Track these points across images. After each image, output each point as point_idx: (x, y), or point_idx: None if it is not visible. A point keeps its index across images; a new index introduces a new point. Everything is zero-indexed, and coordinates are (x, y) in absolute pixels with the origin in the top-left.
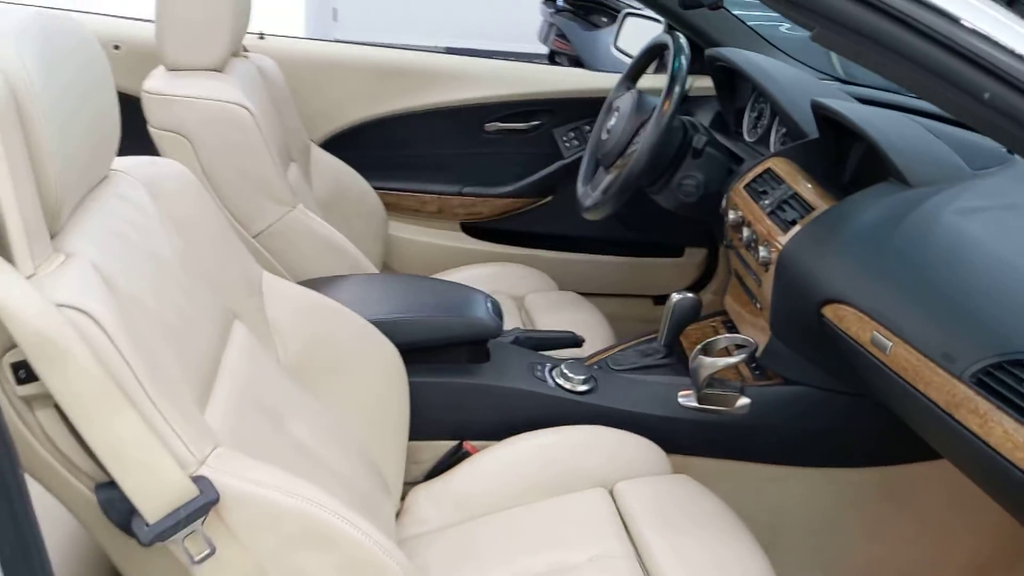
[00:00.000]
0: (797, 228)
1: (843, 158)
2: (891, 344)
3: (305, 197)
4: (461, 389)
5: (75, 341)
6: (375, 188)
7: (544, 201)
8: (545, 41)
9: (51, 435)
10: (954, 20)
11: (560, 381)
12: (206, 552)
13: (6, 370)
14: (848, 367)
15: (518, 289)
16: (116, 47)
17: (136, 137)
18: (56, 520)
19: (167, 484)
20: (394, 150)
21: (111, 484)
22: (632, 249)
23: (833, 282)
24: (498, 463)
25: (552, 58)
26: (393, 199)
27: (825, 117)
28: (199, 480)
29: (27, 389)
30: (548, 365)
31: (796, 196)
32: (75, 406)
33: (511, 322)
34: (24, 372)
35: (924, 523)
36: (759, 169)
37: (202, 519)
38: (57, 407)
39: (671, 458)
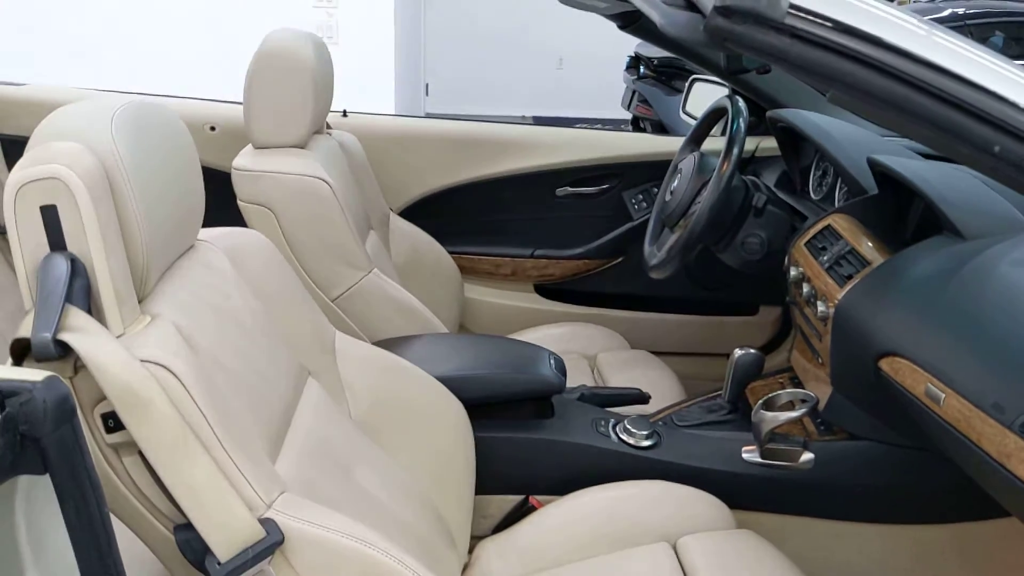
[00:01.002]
0: (853, 283)
1: (904, 214)
2: (944, 395)
3: (384, 263)
4: (526, 444)
5: (156, 392)
6: (451, 253)
7: (615, 262)
8: (628, 107)
9: (136, 479)
10: (962, 80)
11: (623, 436)
12: None
13: (97, 420)
14: (909, 420)
15: (590, 348)
16: (212, 128)
17: (228, 209)
18: (136, 558)
19: (237, 525)
20: (469, 216)
21: (188, 525)
22: (705, 308)
23: (888, 335)
24: (562, 517)
25: (636, 123)
26: (468, 263)
27: (883, 173)
28: (266, 523)
29: (115, 437)
30: (612, 421)
31: (853, 251)
32: (156, 452)
33: (583, 380)
34: (112, 421)
35: None
36: (820, 226)
37: (269, 559)
38: (141, 454)
39: (736, 514)
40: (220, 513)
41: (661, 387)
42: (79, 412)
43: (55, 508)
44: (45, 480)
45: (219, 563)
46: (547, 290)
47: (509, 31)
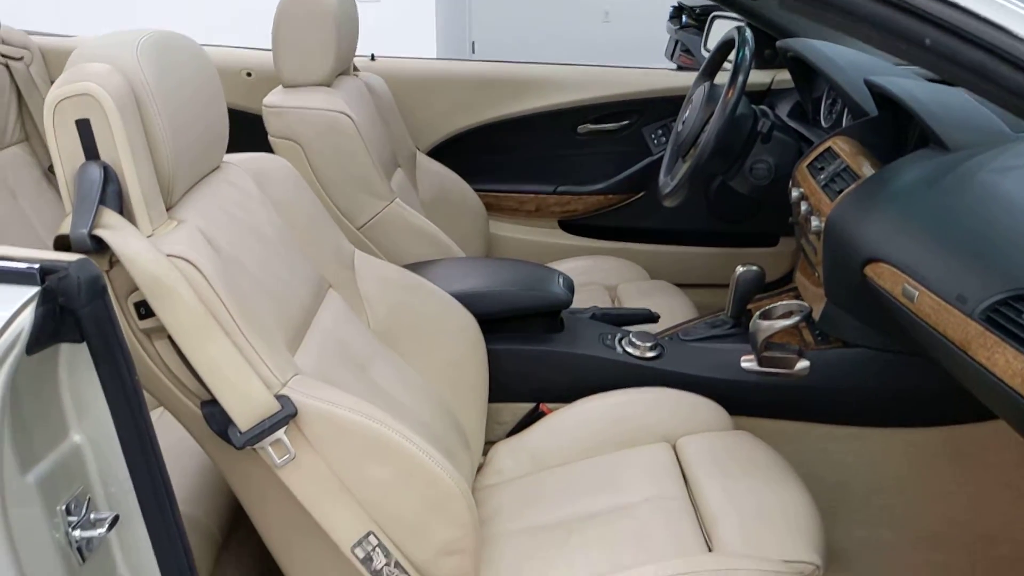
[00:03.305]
0: (842, 196)
1: (904, 136)
2: (917, 293)
3: (411, 200)
4: (536, 356)
5: (180, 283)
6: (476, 190)
7: (636, 196)
8: (672, 57)
9: (166, 361)
10: None
11: (628, 348)
12: (288, 457)
13: (131, 308)
14: (895, 325)
15: (611, 279)
16: (248, 74)
17: (264, 149)
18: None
19: (255, 400)
20: (493, 154)
21: (212, 401)
22: (725, 240)
23: (872, 242)
24: (570, 421)
25: None
26: (493, 200)
27: (883, 96)
28: (281, 398)
29: (146, 323)
30: (618, 335)
31: (848, 168)
32: (181, 336)
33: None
34: (144, 309)
35: (995, 481)
36: (821, 148)
37: (284, 429)
38: (170, 338)
39: (735, 419)
40: (240, 389)
41: (674, 311)
42: (115, 301)
43: (93, 375)
44: (83, 349)
45: (240, 432)
46: (570, 225)
47: None
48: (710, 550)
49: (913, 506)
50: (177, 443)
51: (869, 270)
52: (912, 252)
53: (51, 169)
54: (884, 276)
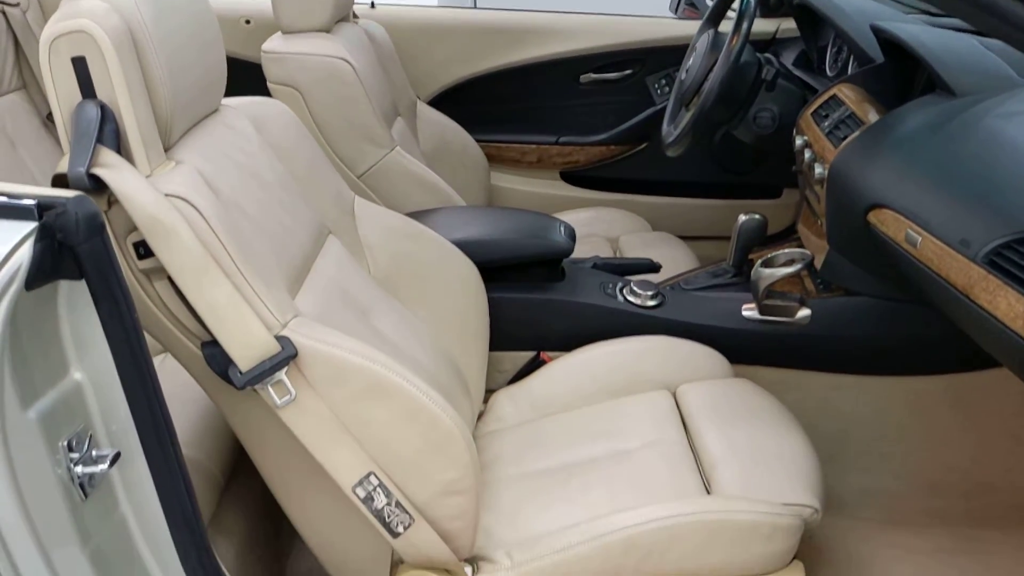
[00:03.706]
0: (847, 142)
1: (910, 83)
2: (920, 238)
3: (412, 150)
4: (537, 304)
5: (179, 223)
6: (478, 141)
7: (639, 148)
8: (676, 11)
9: (166, 301)
10: None
11: (629, 297)
12: (288, 398)
13: (130, 248)
14: (897, 272)
15: (613, 231)
16: (247, 21)
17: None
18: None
19: (255, 341)
20: (495, 104)
21: (213, 342)
22: (729, 191)
23: (876, 188)
24: (570, 369)
25: None
26: (495, 150)
27: (889, 43)
28: (281, 339)
29: (146, 264)
30: (619, 284)
31: (853, 115)
32: (181, 276)
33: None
34: (143, 249)
35: (995, 429)
36: (826, 96)
37: (284, 370)
38: (169, 279)
39: (736, 368)
40: (240, 330)
41: (676, 262)
42: (114, 241)
43: (93, 313)
44: (82, 287)
45: (240, 372)
46: (572, 176)
47: None
48: (709, 493)
49: (913, 454)
50: (180, 389)
51: (872, 216)
52: (916, 197)
53: (50, 118)
54: (887, 222)
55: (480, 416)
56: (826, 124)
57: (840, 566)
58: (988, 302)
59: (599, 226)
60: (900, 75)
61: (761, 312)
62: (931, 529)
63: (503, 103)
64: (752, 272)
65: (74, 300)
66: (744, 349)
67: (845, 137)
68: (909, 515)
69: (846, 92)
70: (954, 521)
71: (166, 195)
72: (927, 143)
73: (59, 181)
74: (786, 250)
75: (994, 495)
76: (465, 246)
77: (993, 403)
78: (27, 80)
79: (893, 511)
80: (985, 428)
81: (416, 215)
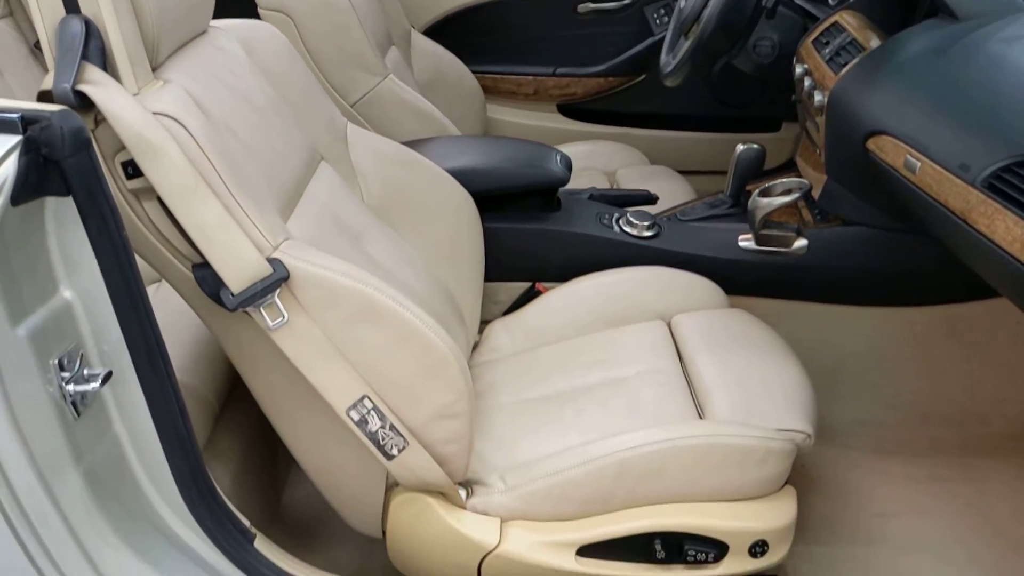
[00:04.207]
0: (846, 68)
1: (912, 9)
2: (919, 164)
3: (406, 79)
4: (532, 234)
5: (168, 141)
6: (474, 72)
7: (637, 80)
8: None
9: (156, 222)
10: None
11: (625, 227)
12: (280, 320)
13: (118, 168)
14: (895, 201)
15: (610, 164)
16: None
17: None
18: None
19: (247, 263)
20: (491, 35)
21: (204, 264)
22: (728, 125)
23: (875, 114)
24: (566, 299)
25: None
26: (491, 82)
27: None
28: (273, 261)
29: (134, 183)
30: (616, 214)
31: (854, 41)
32: (170, 196)
33: None
34: (131, 169)
35: (988, 360)
36: (827, 23)
37: (276, 293)
38: (159, 199)
39: (732, 299)
40: (231, 251)
41: (674, 194)
42: (102, 161)
43: (81, 230)
44: (69, 203)
45: (232, 294)
46: (569, 109)
47: None
48: (702, 419)
49: (907, 384)
50: (174, 317)
51: (871, 143)
52: (915, 123)
53: (37, 46)
54: (886, 149)
55: (475, 346)
56: (827, 51)
57: (832, 494)
58: (986, 226)
59: (596, 159)
60: (902, 2)
61: (758, 242)
62: (924, 458)
63: (499, 33)
64: (749, 202)
65: (61, 217)
66: (740, 280)
67: (845, 64)
68: (902, 445)
69: (847, 19)
70: (947, 450)
71: (154, 113)
72: (928, 68)
73: (44, 98)
74: (784, 179)
75: (988, 425)
76: (460, 175)
77: (988, 334)
78: (13, 7)
79: (886, 441)
80: (979, 359)
81: (410, 144)
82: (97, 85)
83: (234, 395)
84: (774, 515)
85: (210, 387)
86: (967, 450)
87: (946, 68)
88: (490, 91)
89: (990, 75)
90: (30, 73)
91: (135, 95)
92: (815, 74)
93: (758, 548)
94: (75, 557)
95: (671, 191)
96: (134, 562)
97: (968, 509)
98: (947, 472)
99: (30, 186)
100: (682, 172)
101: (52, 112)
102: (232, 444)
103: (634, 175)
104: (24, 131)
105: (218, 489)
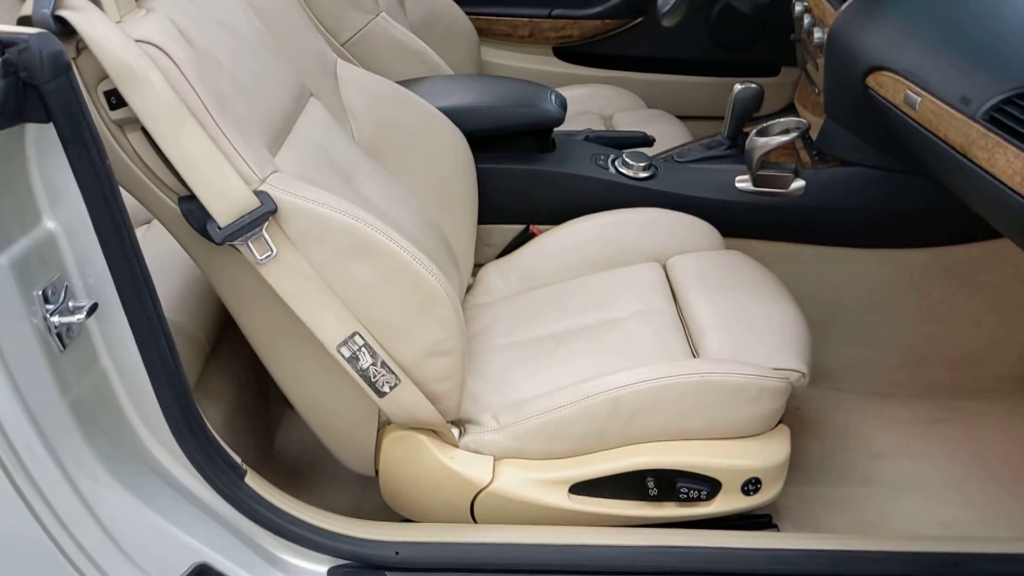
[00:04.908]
0: (846, 4)
1: None
2: (919, 99)
3: (399, 20)
4: (526, 175)
5: (151, 69)
6: (467, 13)
7: (635, 22)
8: None
9: (140, 154)
10: None
11: (621, 168)
12: (269, 254)
13: (101, 97)
14: (894, 140)
15: (607, 109)
16: None
17: None
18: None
19: (233, 195)
20: None
21: (190, 197)
22: (726, 69)
23: (875, 50)
24: (560, 242)
25: None
26: (485, 24)
27: None
28: (260, 194)
29: (118, 114)
30: (611, 155)
31: None
32: (154, 126)
33: None
34: (115, 99)
35: (985, 302)
36: None
37: (264, 226)
38: (143, 130)
39: (729, 241)
40: (217, 183)
41: (671, 137)
42: (84, 90)
43: (63, 158)
44: (50, 130)
45: (219, 227)
46: (565, 52)
47: None
48: (696, 358)
49: (903, 325)
50: (166, 257)
51: (871, 80)
52: (916, 58)
53: None
54: (886, 85)
55: (469, 289)
56: None
57: (826, 435)
58: (986, 160)
59: (593, 103)
60: None
61: (755, 183)
62: (917, 400)
63: None
64: (747, 142)
65: (42, 145)
66: (737, 221)
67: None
68: (898, 387)
69: None
70: (942, 392)
71: (137, 41)
72: (929, 2)
73: (23, 24)
74: (781, 119)
75: (981, 367)
76: (453, 114)
77: (983, 276)
78: None
79: (880, 383)
80: (975, 300)
81: (402, 83)
82: (78, 11)
83: (225, 336)
84: (767, 453)
85: (200, 326)
86: (962, 392)
87: (947, 2)
88: (484, 33)
89: (992, 7)
90: (12, 14)
91: (117, 23)
92: (815, 11)
93: (751, 486)
94: (63, 490)
95: (668, 134)
96: (124, 497)
97: (960, 450)
98: (941, 414)
99: (8, 111)
100: (679, 117)
101: (30, 35)
102: (224, 385)
103: (631, 119)
104: (1, 54)
105: (207, 424)
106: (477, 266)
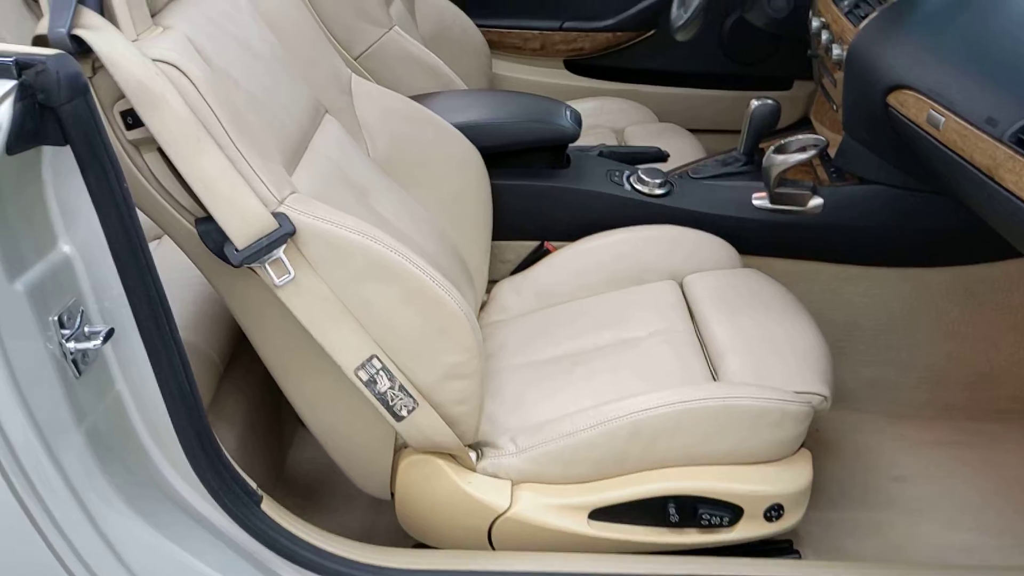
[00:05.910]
0: (866, 20)
1: None
2: (943, 119)
3: (410, 33)
4: (541, 192)
5: (168, 89)
6: (479, 25)
7: (647, 35)
8: None
9: (157, 175)
10: None
11: (636, 185)
12: (287, 277)
13: (117, 117)
14: (915, 159)
15: (619, 122)
16: None
17: None
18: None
19: (251, 217)
20: None
21: (208, 218)
22: (738, 83)
23: (897, 68)
24: (575, 259)
25: None
26: (496, 36)
27: None
28: (278, 216)
29: (134, 134)
30: (626, 171)
31: None
32: (171, 146)
33: None
34: (131, 119)
35: (1003, 322)
36: None
37: (282, 248)
38: (160, 151)
39: (746, 259)
40: (235, 205)
41: (685, 152)
42: (100, 111)
43: (79, 181)
44: (67, 153)
45: (237, 249)
46: (577, 65)
47: None
48: (716, 380)
49: (921, 345)
50: (176, 274)
51: (892, 98)
52: (940, 77)
53: None
54: (908, 104)
55: (483, 306)
56: (845, 3)
57: (846, 457)
58: (1014, 183)
59: (604, 117)
60: None
61: (772, 201)
62: (935, 421)
63: None
64: (764, 159)
65: (59, 167)
66: (754, 239)
67: (865, 16)
68: (915, 407)
69: None
70: (958, 414)
71: (153, 60)
72: (952, 20)
73: (39, 44)
74: (799, 136)
75: (998, 388)
76: (467, 130)
77: (1002, 296)
78: None
79: (898, 403)
80: (992, 321)
81: (416, 98)
82: (94, 30)
83: (239, 356)
84: (790, 478)
85: (214, 347)
86: (979, 412)
87: (972, 19)
88: (495, 46)
89: (1015, 26)
90: (23, 28)
91: (134, 41)
92: (833, 27)
93: (773, 512)
94: (78, 519)
95: (681, 149)
96: (138, 525)
97: (979, 475)
98: (959, 436)
99: (26, 134)
100: (691, 130)
101: (48, 56)
102: (238, 405)
103: (643, 133)
104: (19, 76)
105: (222, 448)
106: (491, 283)
